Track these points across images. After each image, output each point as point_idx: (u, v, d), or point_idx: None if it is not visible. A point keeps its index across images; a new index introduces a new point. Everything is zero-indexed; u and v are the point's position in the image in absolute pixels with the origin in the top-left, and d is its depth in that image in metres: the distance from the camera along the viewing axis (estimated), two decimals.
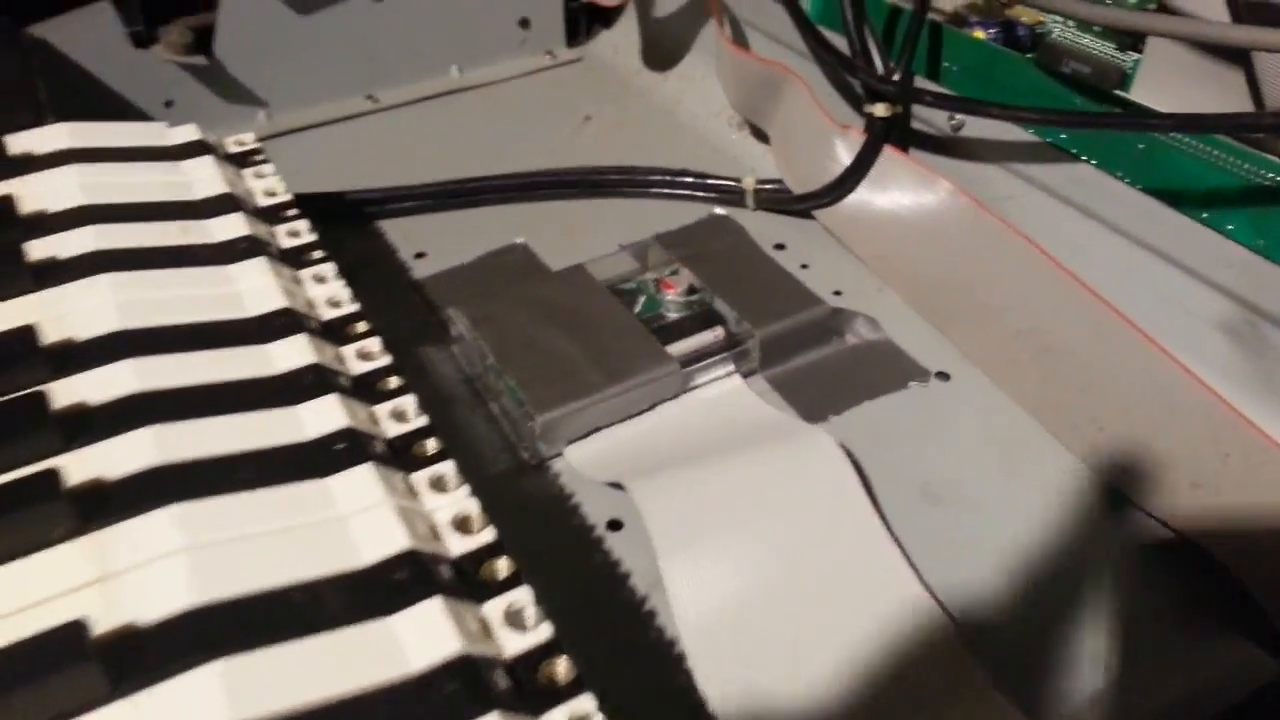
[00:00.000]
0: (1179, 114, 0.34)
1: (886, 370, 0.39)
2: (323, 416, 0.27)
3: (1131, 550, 0.32)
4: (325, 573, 0.22)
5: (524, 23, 0.62)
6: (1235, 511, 0.31)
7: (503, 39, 0.62)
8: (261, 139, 0.41)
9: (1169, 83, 0.38)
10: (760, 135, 0.52)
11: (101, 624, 0.20)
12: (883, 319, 0.41)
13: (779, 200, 0.47)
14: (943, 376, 0.38)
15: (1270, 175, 0.34)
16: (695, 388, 0.37)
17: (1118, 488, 0.34)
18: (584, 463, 0.34)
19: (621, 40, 0.63)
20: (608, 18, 0.63)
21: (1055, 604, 0.30)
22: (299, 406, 0.27)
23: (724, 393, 0.37)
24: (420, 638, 0.21)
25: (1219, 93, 0.37)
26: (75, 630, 0.19)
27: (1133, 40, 0.39)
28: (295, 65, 0.55)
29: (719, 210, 0.48)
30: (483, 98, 0.60)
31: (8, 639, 0.20)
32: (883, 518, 0.32)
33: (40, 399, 0.25)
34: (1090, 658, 0.29)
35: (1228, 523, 0.31)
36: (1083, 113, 0.38)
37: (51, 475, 0.23)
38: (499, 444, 0.36)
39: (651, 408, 0.36)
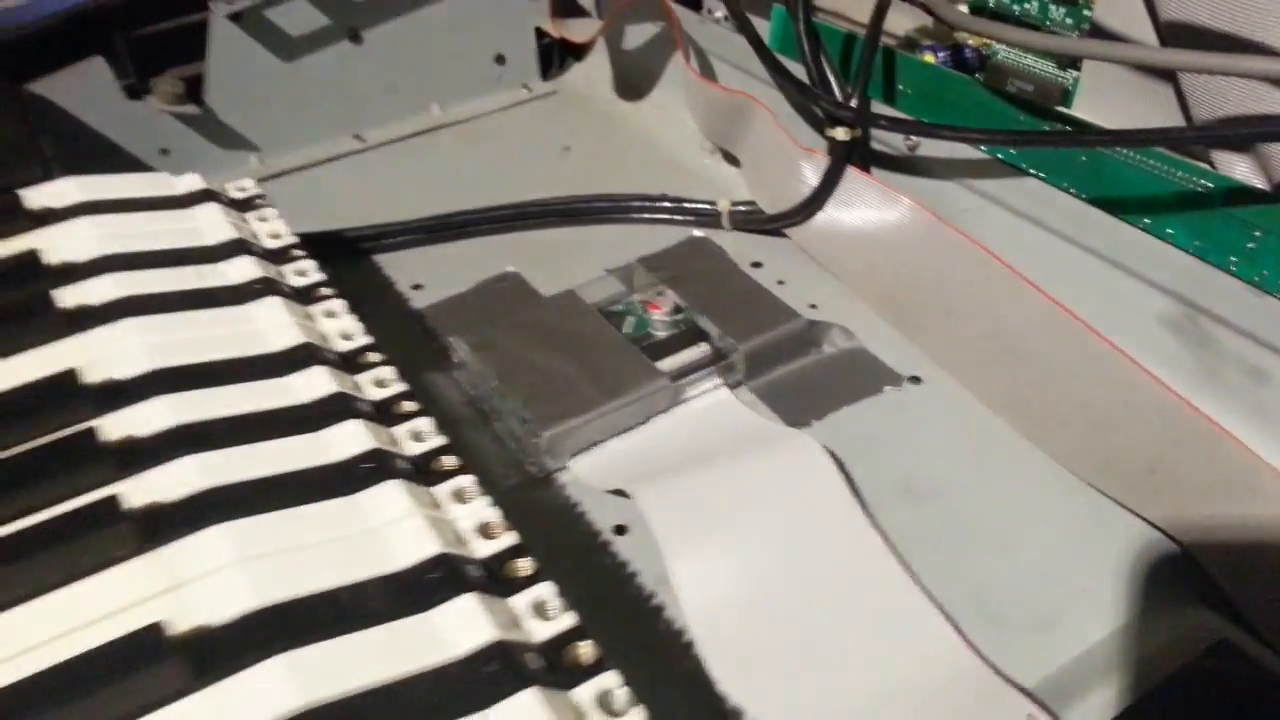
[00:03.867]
0: (1113, 130, 0.37)
1: (862, 376, 0.42)
2: (349, 439, 0.29)
3: (1095, 531, 0.35)
4: (368, 575, 0.24)
5: (499, 59, 0.65)
6: (1188, 492, 0.34)
7: (480, 75, 0.64)
8: (254, 181, 0.43)
9: (1107, 98, 0.41)
10: (731, 158, 0.55)
11: (175, 626, 0.22)
12: (856, 329, 0.44)
13: (753, 220, 0.50)
14: (915, 380, 0.41)
15: (1203, 182, 0.37)
16: (685, 400, 0.40)
17: (1081, 476, 0.37)
18: (588, 473, 0.37)
19: (593, 72, 0.66)
20: (579, 51, 0.66)
21: (1029, 582, 0.33)
22: (326, 431, 0.29)
23: (713, 404, 0.40)
24: (458, 628, 0.23)
25: (1153, 105, 0.41)
26: (154, 632, 0.22)
27: (1071, 59, 0.42)
28: (284, 109, 0.58)
29: (697, 232, 0.50)
30: (464, 132, 0.63)
31: (90, 644, 0.22)
32: (868, 513, 0.34)
33: (90, 434, 0.28)
34: (1062, 627, 0.32)
35: (1181, 503, 0.34)
36: (1026, 132, 0.42)
37: (111, 500, 0.26)
38: (506, 460, 0.38)
39: (646, 420, 0.39)
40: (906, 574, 0.33)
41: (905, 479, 0.37)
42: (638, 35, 0.62)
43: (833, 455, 0.36)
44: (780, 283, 0.47)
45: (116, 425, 0.28)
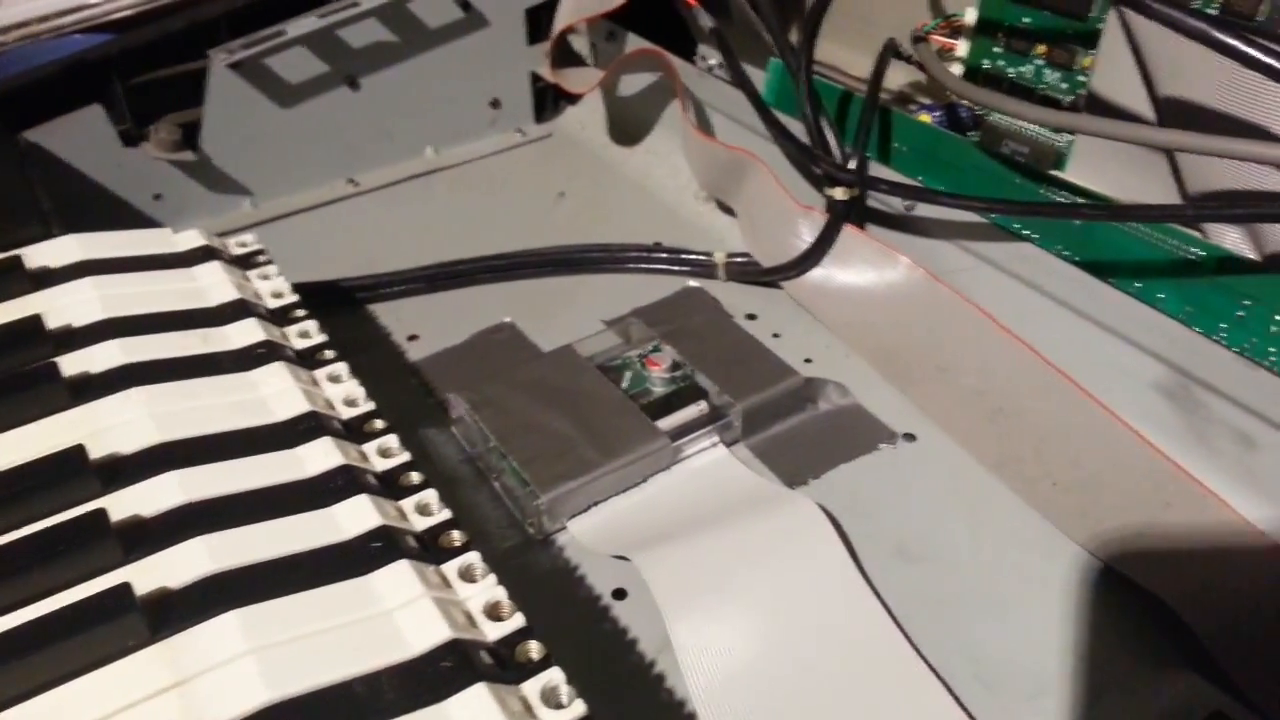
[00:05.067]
0: (1108, 205, 0.38)
1: (857, 434, 0.42)
2: (357, 516, 0.29)
3: (1087, 593, 0.35)
4: (380, 665, 0.25)
5: (495, 103, 0.65)
6: (1177, 555, 0.35)
7: (475, 119, 0.65)
8: (247, 227, 0.43)
9: (1100, 163, 0.42)
10: (726, 208, 0.55)
11: None
12: (851, 384, 0.44)
13: (748, 273, 0.50)
14: (909, 438, 0.42)
15: (1193, 250, 0.38)
16: (684, 459, 0.40)
17: (1073, 538, 0.37)
18: (587, 536, 0.37)
19: (588, 116, 0.66)
20: (574, 95, 0.67)
21: (1022, 646, 0.34)
22: (334, 508, 0.29)
23: (711, 462, 0.40)
24: None
25: (1146, 171, 0.42)
26: None
27: None
28: (278, 154, 0.58)
29: (692, 283, 0.51)
30: (458, 176, 0.63)
31: None
32: (866, 577, 0.35)
33: (101, 515, 0.28)
34: (1056, 694, 0.32)
35: (1170, 565, 0.35)
36: (1024, 202, 0.42)
37: (121, 586, 0.26)
38: (504, 520, 0.38)
39: (645, 480, 0.39)
40: (904, 640, 0.33)
41: (900, 539, 0.37)
42: (632, 83, 0.63)
43: (830, 517, 0.36)
44: (776, 336, 0.47)
45: (124, 503, 0.28)
